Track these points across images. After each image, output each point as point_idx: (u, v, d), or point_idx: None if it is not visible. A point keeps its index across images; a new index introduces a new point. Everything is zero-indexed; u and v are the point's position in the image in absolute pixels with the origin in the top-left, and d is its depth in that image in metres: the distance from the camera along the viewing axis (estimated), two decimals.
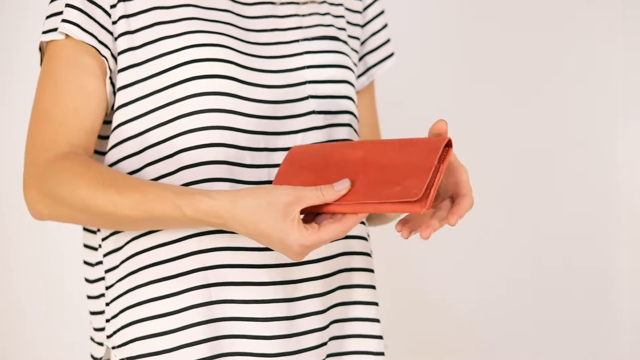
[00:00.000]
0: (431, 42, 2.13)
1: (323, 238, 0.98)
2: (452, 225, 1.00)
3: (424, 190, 0.94)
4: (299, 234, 0.97)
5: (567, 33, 2.19)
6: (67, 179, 1.07)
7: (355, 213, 0.98)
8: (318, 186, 0.98)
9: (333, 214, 1.00)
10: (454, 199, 1.02)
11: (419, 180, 0.95)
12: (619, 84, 2.20)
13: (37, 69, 1.91)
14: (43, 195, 1.10)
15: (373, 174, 0.99)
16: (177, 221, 1.03)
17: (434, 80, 2.11)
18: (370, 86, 1.33)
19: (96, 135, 1.15)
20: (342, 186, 0.98)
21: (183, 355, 1.07)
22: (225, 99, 1.10)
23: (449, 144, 0.99)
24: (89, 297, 1.21)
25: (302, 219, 1.01)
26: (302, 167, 1.04)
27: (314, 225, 0.98)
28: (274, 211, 0.97)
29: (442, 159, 0.98)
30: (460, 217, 0.99)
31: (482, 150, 2.14)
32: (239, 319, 1.08)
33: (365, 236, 1.20)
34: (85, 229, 1.21)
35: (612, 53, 2.19)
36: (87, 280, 1.21)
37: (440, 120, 1.00)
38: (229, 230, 1.03)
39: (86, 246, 1.21)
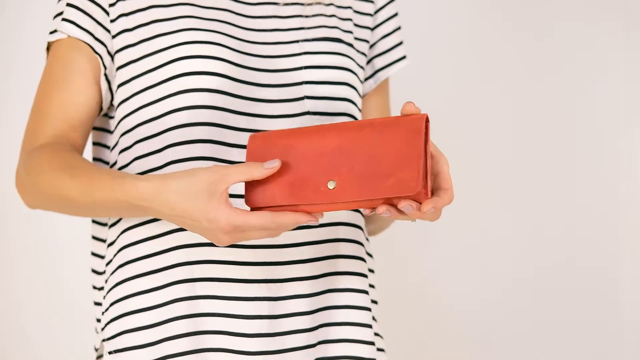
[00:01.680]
0: (436, 45, 2.13)
1: (251, 222, 0.94)
2: (420, 216, 0.94)
3: (421, 182, 0.91)
4: (227, 212, 0.94)
5: (569, 34, 2.18)
6: (37, 167, 1.11)
7: (346, 209, 0.96)
8: (246, 163, 0.96)
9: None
10: (432, 191, 0.97)
11: (411, 170, 0.92)
12: (620, 85, 2.20)
13: (37, 69, 1.93)
14: (23, 186, 1.16)
15: (358, 166, 0.94)
16: (114, 205, 1.04)
17: (437, 81, 2.11)
18: (380, 89, 1.32)
19: (84, 130, 1.18)
20: (271, 165, 0.95)
21: (165, 349, 1.08)
22: (216, 96, 1.11)
23: (426, 120, 0.95)
24: (94, 288, 1.23)
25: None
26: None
27: (245, 209, 0.96)
28: (200, 190, 0.95)
29: (425, 139, 0.94)
30: (436, 210, 0.94)
31: (485, 151, 2.14)
32: (221, 315, 1.08)
33: (359, 240, 1.18)
34: (93, 221, 1.23)
35: (613, 53, 2.19)
36: (95, 272, 1.23)
37: (408, 102, 0.96)
38: (153, 216, 1.01)
39: (94, 238, 1.23)
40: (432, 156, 0.98)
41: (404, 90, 1.74)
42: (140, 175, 1.02)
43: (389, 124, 0.95)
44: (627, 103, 2.19)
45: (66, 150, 1.12)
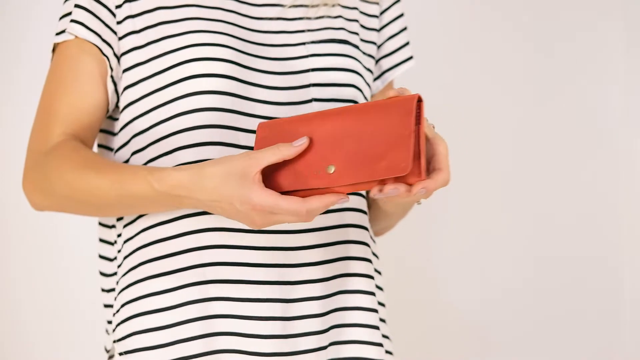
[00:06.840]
0: (436, 45, 2.14)
1: (281, 204, 0.97)
2: (411, 197, 0.95)
3: (411, 161, 0.93)
4: (258, 192, 0.97)
5: (569, 34, 2.19)
6: (56, 165, 1.11)
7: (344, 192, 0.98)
8: (276, 145, 0.99)
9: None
10: (429, 171, 0.98)
11: (402, 151, 0.93)
12: (621, 82, 2.20)
13: (40, 69, 1.92)
14: (35, 186, 1.15)
15: (354, 150, 0.96)
16: (149, 198, 1.05)
17: (437, 81, 2.11)
18: (387, 90, 1.30)
19: (94, 131, 1.18)
20: (300, 142, 0.99)
21: (178, 351, 1.08)
22: (223, 97, 1.11)
23: (419, 100, 0.96)
24: (103, 290, 1.23)
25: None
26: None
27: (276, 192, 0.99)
28: (235, 173, 0.98)
29: (418, 119, 0.95)
30: (427, 191, 0.95)
31: (485, 151, 2.15)
32: (233, 317, 1.08)
33: (366, 241, 1.19)
34: (100, 224, 1.24)
35: (613, 53, 2.20)
36: (103, 274, 1.23)
37: (392, 89, 0.99)
38: (187, 206, 1.04)
39: (102, 240, 1.24)
40: (427, 138, 0.98)
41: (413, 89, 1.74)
42: (179, 166, 1.04)
43: (381, 106, 0.97)
44: (627, 99, 2.20)
45: (84, 148, 1.12)
